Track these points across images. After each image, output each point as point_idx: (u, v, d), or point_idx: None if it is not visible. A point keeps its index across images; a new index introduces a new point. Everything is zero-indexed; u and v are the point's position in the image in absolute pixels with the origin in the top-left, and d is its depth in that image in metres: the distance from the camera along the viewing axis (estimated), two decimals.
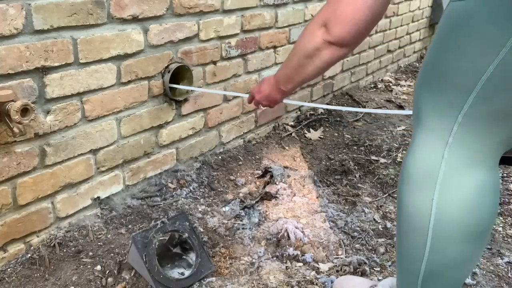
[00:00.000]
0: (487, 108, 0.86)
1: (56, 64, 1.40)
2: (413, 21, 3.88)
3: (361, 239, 1.62)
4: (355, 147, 2.38)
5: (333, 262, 1.50)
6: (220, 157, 2.12)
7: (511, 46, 0.78)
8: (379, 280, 1.41)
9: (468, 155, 0.91)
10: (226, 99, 2.12)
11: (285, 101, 1.42)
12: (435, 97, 0.91)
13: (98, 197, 1.65)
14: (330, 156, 2.27)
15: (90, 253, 1.46)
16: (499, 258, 1.56)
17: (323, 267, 1.48)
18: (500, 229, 1.73)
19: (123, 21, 1.56)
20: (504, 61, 0.80)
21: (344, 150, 2.34)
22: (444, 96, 0.90)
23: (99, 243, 1.51)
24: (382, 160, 2.23)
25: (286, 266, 1.47)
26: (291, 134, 2.48)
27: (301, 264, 1.49)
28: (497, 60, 0.80)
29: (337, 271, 1.46)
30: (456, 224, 0.93)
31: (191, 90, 1.87)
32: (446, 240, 0.95)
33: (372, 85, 3.47)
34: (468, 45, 0.83)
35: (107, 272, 1.39)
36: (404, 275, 1.06)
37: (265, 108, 1.63)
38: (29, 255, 1.44)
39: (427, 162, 0.94)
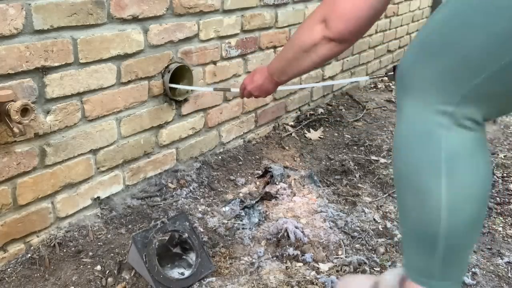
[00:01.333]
0: (495, 88, 0.84)
1: (56, 64, 1.40)
2: (413, 21, 3.88)
3: (361, 239, 1.62)
4: (355, 147, 2.38)
5: (333, 262, 1.50)
6: (220, 157, 2.12)
7: None
8: None
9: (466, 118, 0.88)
10: (226, 99, 2.12)
11: (279, 88, 1.44)
12: (439, 69, 0.87)
13: (98, 197, 1.65)
14: (330, 156, 2.27)
15: (90, 253, 1.46)
16: (499, 258, 1.56)
17: (323, 267, 1.48)
18: (500, 229, 1.73)
19: (123, 21, 1.56)
20: None
21: (344, 150, 2.34)
22: (452, 70, 0.86)
23: (99, 243, 1.51)
24: (382, 160, 2.23)
25: (286, 266, 1.47)
26: (291, 134, 2.48)
27: (301, 264, 1.49)
28: None
29: (337, 271, 1.46)
30: (468, 180, 0.89)
31: (191, 90, 1.87)
32: (462, 196, 0.89)
33: (372, 85, 3.47)
34: (496, 27, 0.79)
35: (107, 272, 1.39)
36: (417, 246, 0.96)
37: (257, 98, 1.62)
38: (29, 255, 1.44)
39: (423, 125, 0.90)
